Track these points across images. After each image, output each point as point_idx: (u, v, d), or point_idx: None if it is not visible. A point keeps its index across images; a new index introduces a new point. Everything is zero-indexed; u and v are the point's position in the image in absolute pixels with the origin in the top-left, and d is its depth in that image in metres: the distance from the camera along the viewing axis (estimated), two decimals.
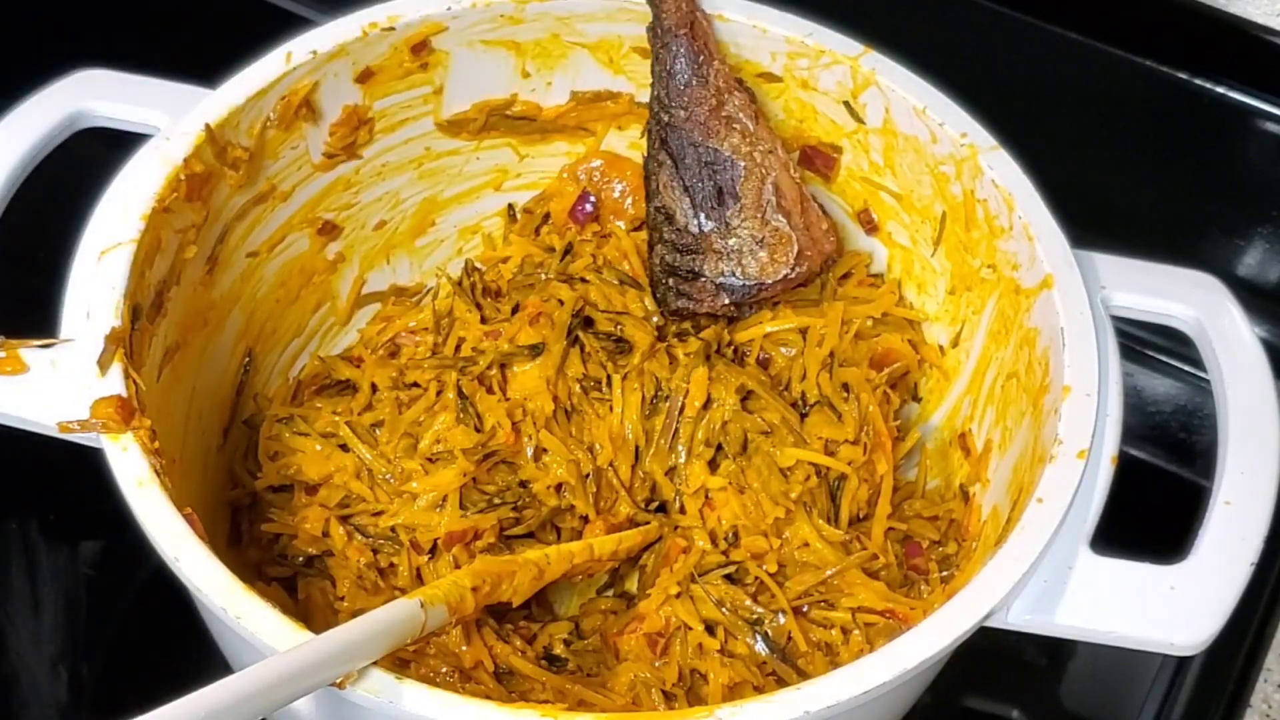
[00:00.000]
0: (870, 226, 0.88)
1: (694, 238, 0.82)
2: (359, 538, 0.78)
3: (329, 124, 0.83)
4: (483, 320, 0.84)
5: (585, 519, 0.79)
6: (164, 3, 1.17)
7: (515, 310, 0.84)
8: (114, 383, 0.67)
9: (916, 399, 0.87)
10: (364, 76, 0.83)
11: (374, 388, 0.83)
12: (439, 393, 0.80)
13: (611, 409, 0.80)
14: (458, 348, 0.84)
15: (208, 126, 0.75)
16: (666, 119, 0.83)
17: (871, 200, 0.87)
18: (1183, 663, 0.85)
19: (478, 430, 0.79)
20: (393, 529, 0.77)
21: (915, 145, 0.82)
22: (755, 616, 0.75)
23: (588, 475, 0.79)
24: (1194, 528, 0.68)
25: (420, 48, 0.83)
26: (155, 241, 0.73)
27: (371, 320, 0.90)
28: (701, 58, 0.82)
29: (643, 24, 0.84)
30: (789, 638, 0.75)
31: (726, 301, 0.83)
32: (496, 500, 0.78)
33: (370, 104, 0.84)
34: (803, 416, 0.81)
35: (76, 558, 0.91)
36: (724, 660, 0.74)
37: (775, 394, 0.82)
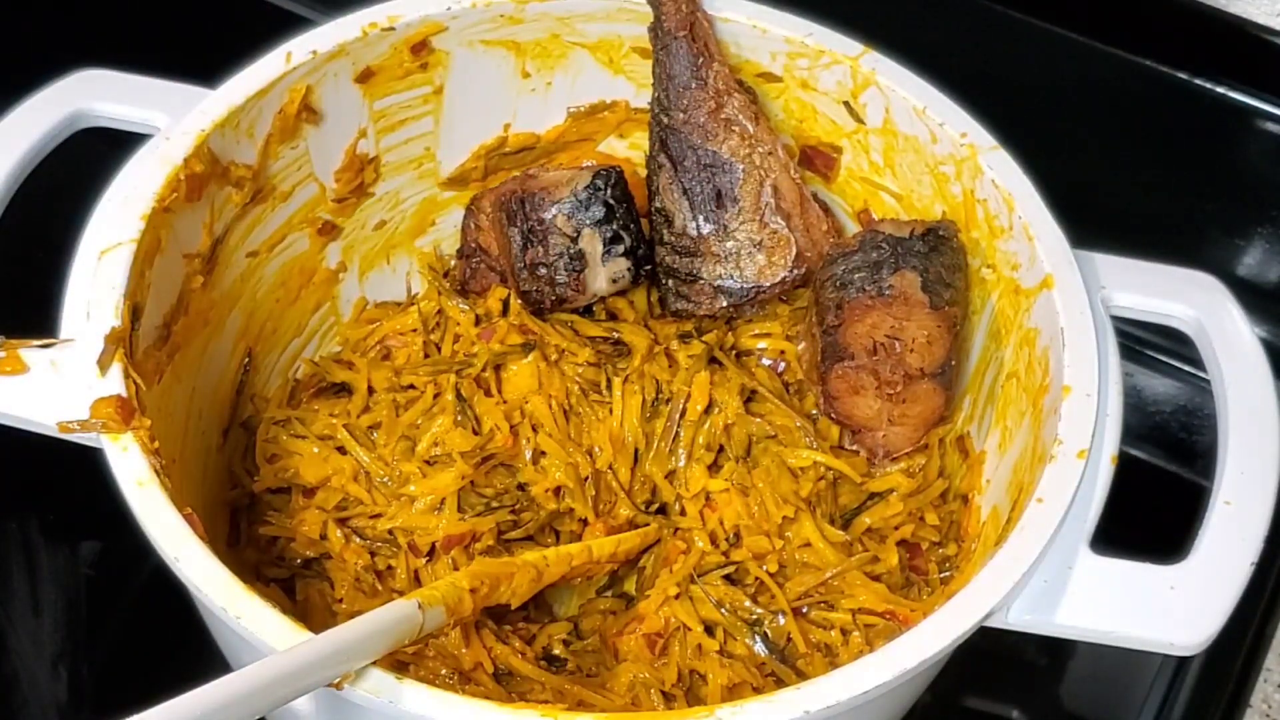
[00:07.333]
0: None
1: (693, 240, 0.82)
2: (356, 540, 0.78)
3: (334, 170, 0.84)
4: (476, 323, 0.84)
5: (584, 521, 0.79)
6: (164, 3, 1.17)
7: (505, 309, 0.84)
8: (114, 383, 0.67)
9: None
10: (364, 76, 0.83)
11: (370, 390, 0.82)
12: (436, 395, 0.80)
13: (611, 411, 0.80)
14: (454, 351, 0.84)
15: (208, 146, 0.75)
16: (666, 121, 0.83)
17: (871, 200, 0.87)
18: (1183, 663, 0.85)
19: (476, 433, 0.79)
20: (390, 532, 0.77)
21: (915, 145, 0.82)
22: (754, 617, 0.75)
23: (586, 478, 0.79)
24: (1194, 528, 0.68)
25: (420, 48, 0.83)
26: (155, 241, 0.73)
27: (356, 323, 0.90)
28: (701, 60, 0.82)
29: (643, 24, 0.84)
30: (788, 639, 0.75)
31: (725, 304, 0.83)
32: (495, 503, 0.78)
33: (373, 145, 0.85)
34: (811, 419, 0.82)
35: (76, 558, 0.91)
36: (723, 661, 0.74)
37: (781, 396, 0.82)
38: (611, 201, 0.79)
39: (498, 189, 0.83)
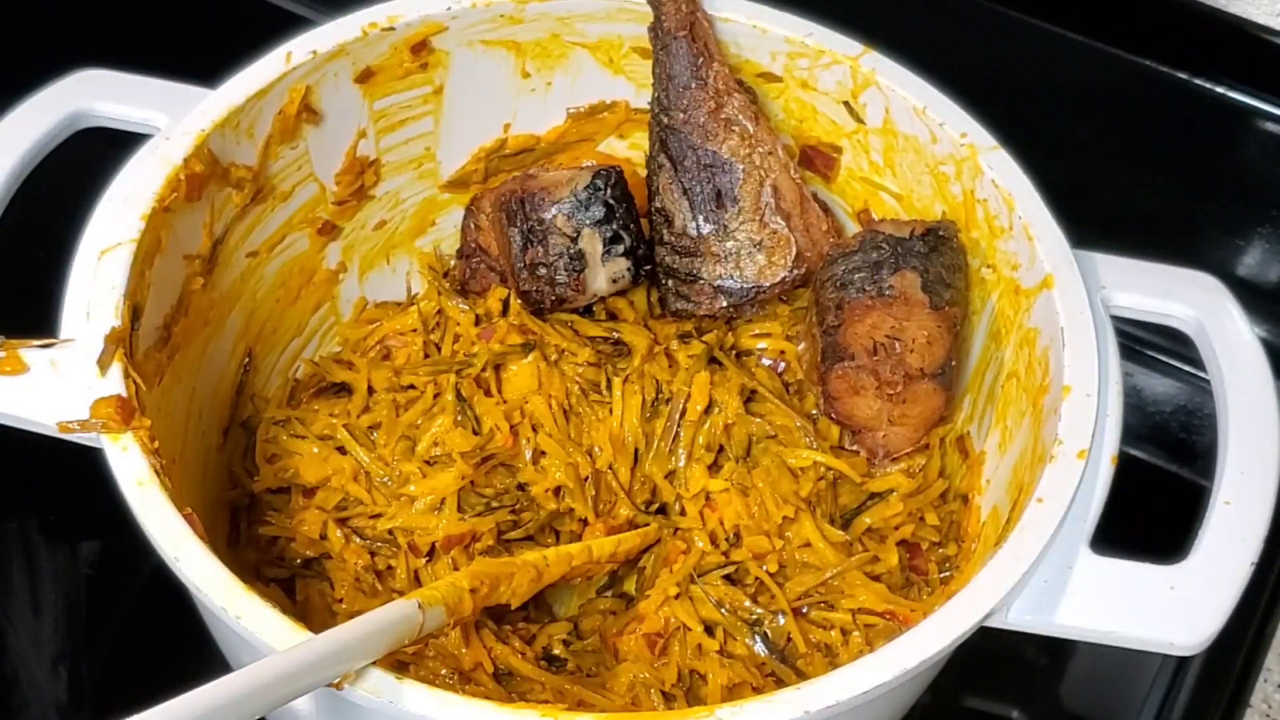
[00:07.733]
0: None
1: (693, 240, 0.82)
2: (356, 540, 0.78)
3: (334, 172, 0.84)
4: (476, 323, 0.84)
5: (584, 521, 0.79)
6: (164, 3, 1.17)
7: (505, 309, 0.84)
8: (114, 383, 0.67)
9: None
10: (364, 76, 0.83)
11: (370, 390, 0.82)
12: (436, 395, 0.80)
13: (611, 411, 0.80)
14: (454, 351, 0.84)
15: (208, 146, 0.75)
16: (666, 121, 0.83)
17: (871, 200, 0.87)
18: (1183, 663, 0.85)
19: (476, 433, 0.79)
20: (390, 532, 0.77)
21: (915, 145, 0.82)
22: (754, 617, 0.75)
23: (587, 478, 0.79)
24: (1194, 528, 0.68)
25: (420, 48, 0.83)
26: (155, 241, 0.73)
27: (356, 323, 0.90)
28: (701, 60, 0.82)
29: (643, 24, 0.84)
30: (788, 639, 0.75)
31: (725, 304, 0.83)
32: (495, 504, 0.78)
33: (373, 146, 0.85)
34: (812, 419, 0.82)
35: (76, 558, 0.91)
36: (723, 661, 0.74)
37: (781, 396, 0.82)
38: (611, 201, 0.79)
39: (498, 189, 0.84)
